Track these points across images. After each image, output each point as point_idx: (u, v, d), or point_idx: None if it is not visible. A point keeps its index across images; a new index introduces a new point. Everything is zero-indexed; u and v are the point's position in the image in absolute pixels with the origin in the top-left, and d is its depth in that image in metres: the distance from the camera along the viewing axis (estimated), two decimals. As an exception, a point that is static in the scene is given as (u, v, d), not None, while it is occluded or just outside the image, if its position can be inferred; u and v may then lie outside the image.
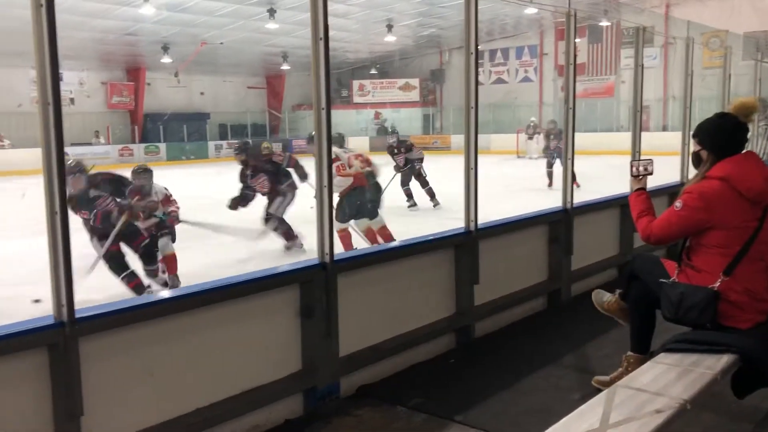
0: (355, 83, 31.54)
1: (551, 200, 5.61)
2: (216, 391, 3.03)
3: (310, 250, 5.12)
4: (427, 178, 11.83)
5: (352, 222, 7.30)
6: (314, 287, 3.35)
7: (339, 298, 3.44)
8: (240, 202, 8.37)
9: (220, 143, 28.28)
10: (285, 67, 28.95)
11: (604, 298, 3.60)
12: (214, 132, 29.46)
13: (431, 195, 11.68)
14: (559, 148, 14.86)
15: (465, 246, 4.27)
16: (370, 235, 7.26)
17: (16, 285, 6.43)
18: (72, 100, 24.63)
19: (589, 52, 24.88)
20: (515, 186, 14.35)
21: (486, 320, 4.53)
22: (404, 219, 9.95)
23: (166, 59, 24.96)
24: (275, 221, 8.22)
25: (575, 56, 5.28)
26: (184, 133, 27.52)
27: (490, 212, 4.70)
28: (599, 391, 2.89)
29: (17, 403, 2.46)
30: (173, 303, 2.94)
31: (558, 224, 5.18)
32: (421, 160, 11.89)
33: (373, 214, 7.29)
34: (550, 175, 13.78)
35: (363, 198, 7.20)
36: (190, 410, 2.92)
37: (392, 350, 3.86)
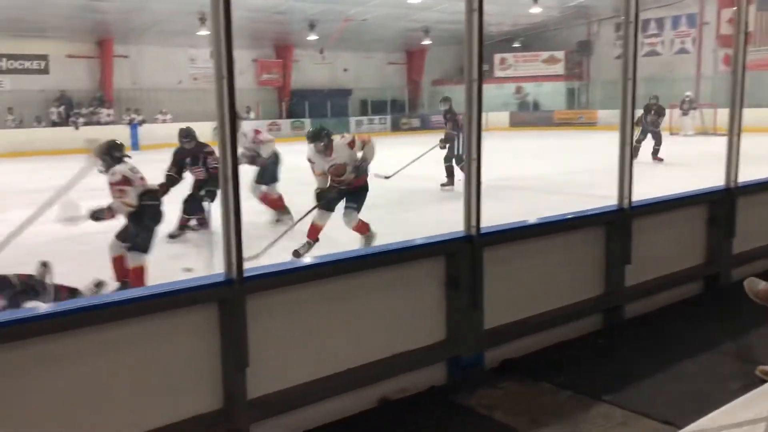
0: (497, 57, 30.92)
1: (707, 179, 5.24)
2: (366, 353, 3.16)
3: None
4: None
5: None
6: (460, 259, 3.38)
7: (484, 271, 3.45)
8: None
9: (360, 119, 28.92)
10: (426, 42, 28.97)
11: (759, 286, 3.34)
12: (355, 107, 30.16)
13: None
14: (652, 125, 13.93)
15: (617, 224, 4.12)
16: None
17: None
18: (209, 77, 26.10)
19: (757, 21, 22.78)
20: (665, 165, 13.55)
21: (637, 302, 4.35)
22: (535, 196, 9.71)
23: (312, 37, 25.77)
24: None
25: (746, 24, 4.87)
26: (327, 108, 28.39)
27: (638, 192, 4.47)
28: (764, 382, 2.71)
29: (191, 352, 2.70)
30: (333, 267, 3.09)
31: (719, 204, 4.85)
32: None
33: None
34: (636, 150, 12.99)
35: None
36: (342, 369, 3.08)
37: (537, 326, 3.83)
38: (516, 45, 30.90)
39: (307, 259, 3.21)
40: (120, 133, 22.15)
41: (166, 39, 23.84)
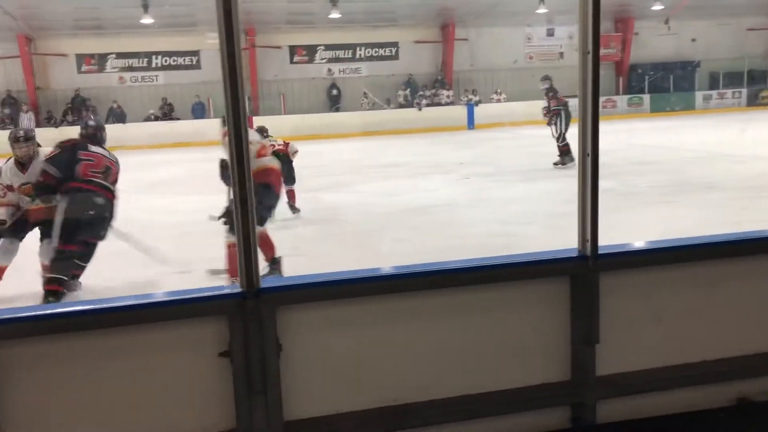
0: None
1: None
2: (725, 347, 2.93)
3: None
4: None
5: None
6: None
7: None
8: None
9: (709, 93, 26.25)
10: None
11: None
12: (703, 81, 27.43)
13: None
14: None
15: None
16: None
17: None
18: (561, 55, 25.87)
19: None
20: None
21: None
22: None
23: (657, 6, 24.06)
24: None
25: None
26: (670, 83, 26.34)
27: None
28: None
29: (542, 320, 2.78)
30: (698, 250, 2.91)
31: None
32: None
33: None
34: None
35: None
36: (695, 360, 2.90)
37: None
38: None
39: (666, 240, 2.99)
40: (458, 113, 23.61)
41: (503, 19, 24.44)
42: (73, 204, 5.14)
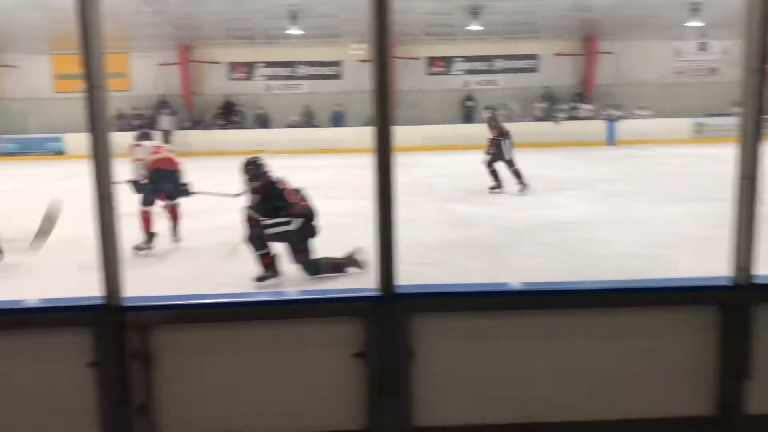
0: None
1: None
2: None
3: None
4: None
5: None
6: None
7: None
8: None
9: None
10: None
11: None
12: None
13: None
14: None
15: None
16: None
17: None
18: (713, 70, 24.32)
19: None
20: None
21: None
22: None
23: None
24: None
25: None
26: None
27: None
28: None
29: (687, 350, 2.64)
30: None
31: None
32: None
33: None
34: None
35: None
36: None
37: None
38: None
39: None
40: (597, 128, 22.81)
41: (651, 33, 23.37)
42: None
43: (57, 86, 23.85)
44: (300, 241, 5.90)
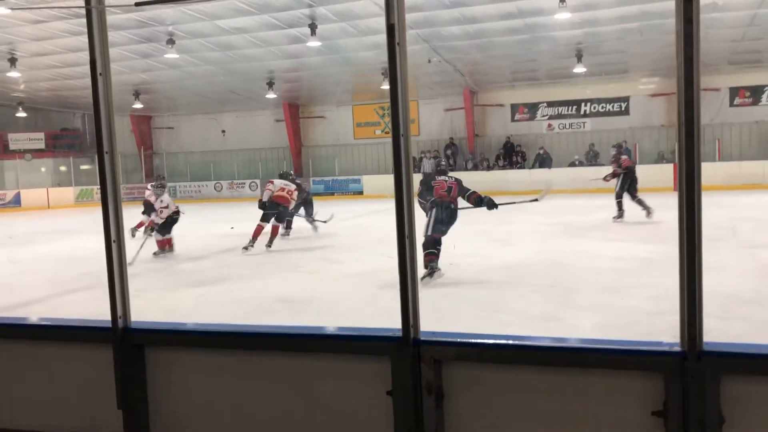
0: None
1: None
2: None
3: None
4: None
5: None
6: None
7: None
8: None
9: None
10: None
11: None
12: None
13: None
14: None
15: None
16: None
17: None
18: None
19: None
20: None
21: None
22: None
23: None
24: None
25: None
26: None
27: None
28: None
29: None
30: None
31: None
32: None
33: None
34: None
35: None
36: None
37: None
38: None
39: None
40: None
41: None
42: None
43: (357, 133, 26.53)
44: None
